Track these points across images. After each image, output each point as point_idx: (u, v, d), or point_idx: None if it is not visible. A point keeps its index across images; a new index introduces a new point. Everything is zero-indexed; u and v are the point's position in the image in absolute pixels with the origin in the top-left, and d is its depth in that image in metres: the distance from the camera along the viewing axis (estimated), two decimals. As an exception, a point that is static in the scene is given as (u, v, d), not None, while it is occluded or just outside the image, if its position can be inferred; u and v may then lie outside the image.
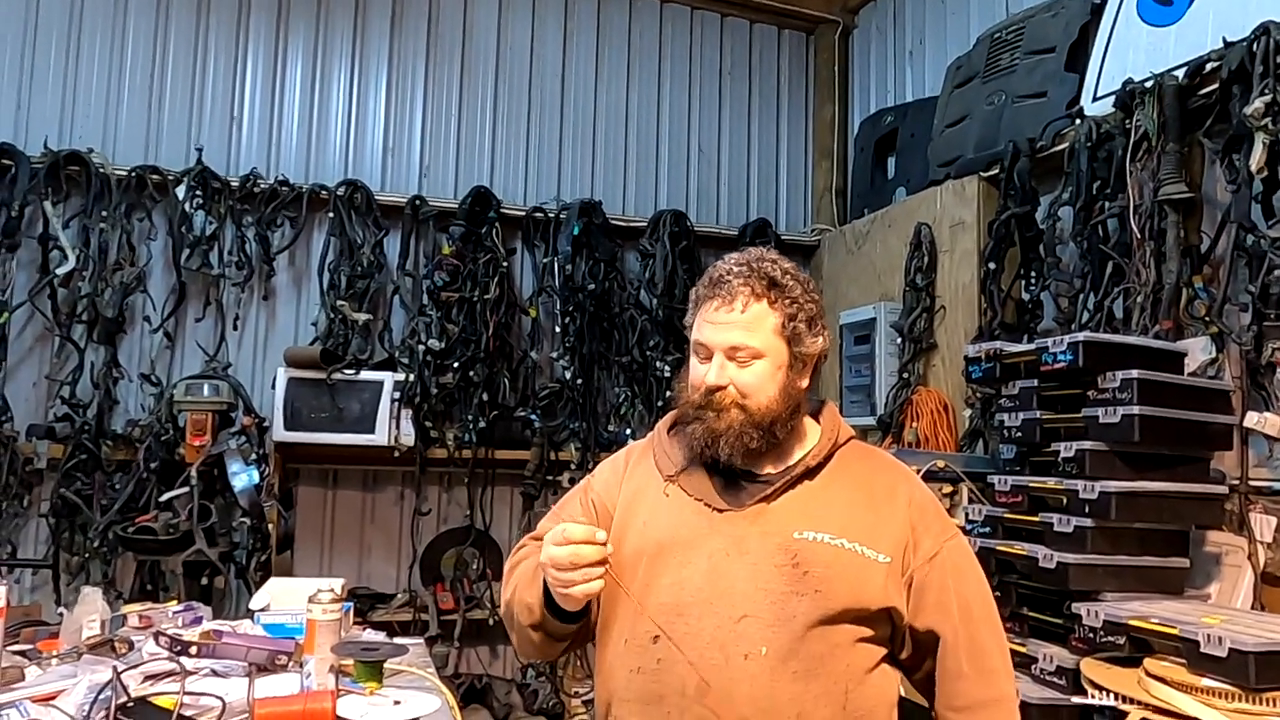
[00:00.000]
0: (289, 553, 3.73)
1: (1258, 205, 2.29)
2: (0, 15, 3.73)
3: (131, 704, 1.49)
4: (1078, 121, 2.90)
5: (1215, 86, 2.42)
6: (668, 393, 4.09)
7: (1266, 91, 2.20)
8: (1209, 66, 2.45)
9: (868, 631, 1.42)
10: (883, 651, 1.45)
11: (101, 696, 1.50)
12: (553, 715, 3.94)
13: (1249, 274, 2.29)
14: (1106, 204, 2.72)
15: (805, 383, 1.50)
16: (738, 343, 1.44)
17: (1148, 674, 1.75)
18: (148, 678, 1.73)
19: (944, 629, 1.45)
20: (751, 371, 1.45)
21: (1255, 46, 2.27)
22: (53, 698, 1.61)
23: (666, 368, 4.11)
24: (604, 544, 1.35)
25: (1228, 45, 2.37)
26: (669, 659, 1.40)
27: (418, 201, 4.04)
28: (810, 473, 1.50)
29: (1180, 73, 2.54)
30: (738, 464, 1.47)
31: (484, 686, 4.02)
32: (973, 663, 1.45)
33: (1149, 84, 2.59)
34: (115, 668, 1.62)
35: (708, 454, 1.47)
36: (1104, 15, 2.94)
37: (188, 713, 1.50)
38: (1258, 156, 2.21)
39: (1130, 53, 2.79)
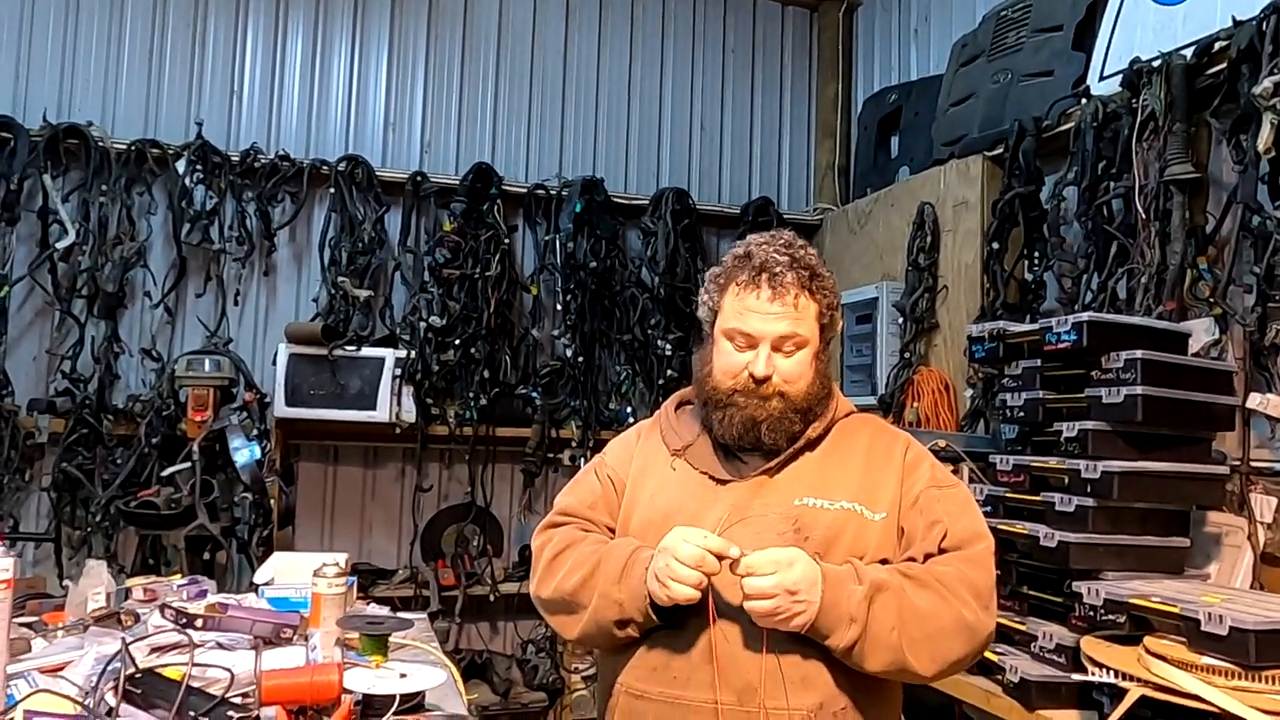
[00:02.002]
0: (290, 528, 3.74)
1: (1264, 186, 2.28)
2: (-3, -14, 3.69)
3: (140, 675, 1.49)
4: (1084, 101, 2.87)
5: (1224, 66, 2.39)
6: (669, 371, 4.09)
7: (1276, 71, 2.18)
8: (1218, 45, 2.43)
9: None
10: None
11: (110, 668, 1.51)
12: (553, 690, 3.96)
13: (1254, 255, 2.28)
14: (1112, 184, 2.70)
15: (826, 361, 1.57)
16: (787, 332, 1.49)
17: (1148, 652, 1.76)
18: (155, 650, 1.74)
19: (922, 544, 1.50)
20: (795, 360, 1.50)
21: (1265, 25, 2.25)
22: (60, 669, 1.62)
23: (668, 346, 4.10)
24: (733, 559, 1.36)
25: (1237, 24, 2.35)
26: (676, 627, 1.43)
27: (419, 178, 4.01)
28: (811, 445, 1.55)
29: (1188, 52, 2.52)
30: (783, 446, 1.51)
31: (484, 662, 4.05)
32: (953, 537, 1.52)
33: (1156, 63, 2.57)
34: (124, 639, 1.63)
35: (746, 439, 1.50)
36: (1112, -7, 2.92)
37: (196, 684, 1.50)
38: (1266, 137, 2.19)
39: (1138, 31, 2.77)
